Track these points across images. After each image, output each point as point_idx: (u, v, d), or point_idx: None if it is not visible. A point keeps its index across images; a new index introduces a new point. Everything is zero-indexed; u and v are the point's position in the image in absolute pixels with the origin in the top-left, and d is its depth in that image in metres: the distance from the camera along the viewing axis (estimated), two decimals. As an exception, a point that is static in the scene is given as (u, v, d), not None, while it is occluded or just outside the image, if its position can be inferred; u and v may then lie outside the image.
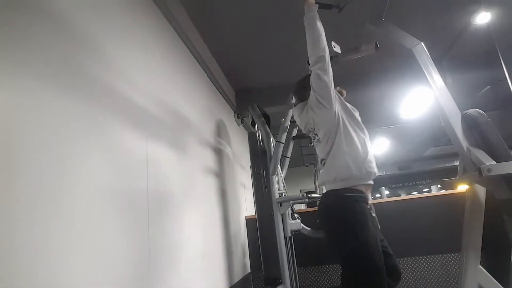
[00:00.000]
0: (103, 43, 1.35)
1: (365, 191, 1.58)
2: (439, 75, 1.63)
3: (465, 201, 1.67)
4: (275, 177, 2.55)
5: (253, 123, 2.88)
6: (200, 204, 2.18)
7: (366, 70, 3.74)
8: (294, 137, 2.86)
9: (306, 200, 2.47)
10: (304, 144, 5.60)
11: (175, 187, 1.82)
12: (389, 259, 1.58)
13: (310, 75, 1.65)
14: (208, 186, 2.42)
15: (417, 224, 2.80)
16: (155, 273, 1.44)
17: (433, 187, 11.13)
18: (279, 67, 3.54)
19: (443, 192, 3.22)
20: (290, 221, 2.49)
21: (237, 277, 2.69)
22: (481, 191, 1.60)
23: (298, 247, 2.61)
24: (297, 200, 2.56)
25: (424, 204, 2.90)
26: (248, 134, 2.91)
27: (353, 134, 1.61)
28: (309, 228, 2.54)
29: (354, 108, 1.77)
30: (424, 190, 11.72)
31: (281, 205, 2.44)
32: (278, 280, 2.28)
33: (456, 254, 2.72)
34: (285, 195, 2.59)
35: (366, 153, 1.59)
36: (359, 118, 1.71)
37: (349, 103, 1.73)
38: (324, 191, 1.71)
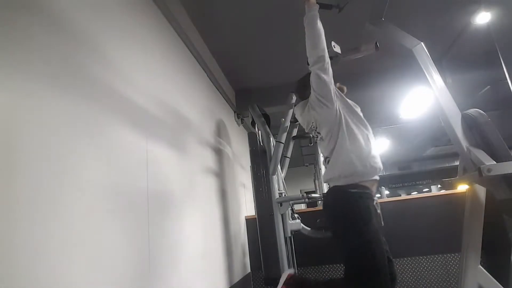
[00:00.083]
0: (103, 43, 1.35)
1: (371, 187, 1.57)
2: (439, 75, 1.63)
3: (465, 201, 1.67)
4: (275, 177, 2.55)
5: (253, 123, 2.89)
6: (200, 204, 2.18)
7: (366, 70, 3.74)
8: (294, 137, 2.86)
9: (306, 200, 2.47)
10: (304, 144, 5.61)
11: (175, 187, 1.82)
12: (389, 264, 1.58)
13: (310, 73, 1.66)
14: (208, 186, 2.42)
15: (417, 224, 2.80)
16: (155, 273, 1.44)
17: (433, 187, 11.13)
18: (279, 67, 3.54)
19: (443, 192, 3.22)
20: (290, 221, 2.49)
21: (237, 277, 2.69)
22: (481, 191, 1.60)
23: (298, 247, 2.61)
24: (297, 200, 2.56)
25: (424, 204, 2.90)
26: (248, 134, 2.91)
27: (356, 130, 1.61)
28: (309, 228, 2.54)
29: (356, 104, 1.77)
30: (424, 190, 11.72)
31: (281, 205, 2.44)
32: (278, 280, 2.28)
33: (456, 254, 2.72)
34: (285, 195, 2.59)
35: (370, 148, 1.59)
36: (361, 114, 1.71)
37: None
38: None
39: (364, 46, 1.90)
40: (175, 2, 2.24)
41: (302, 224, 2.52)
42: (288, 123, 2.59)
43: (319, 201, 3.31)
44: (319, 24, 1.61)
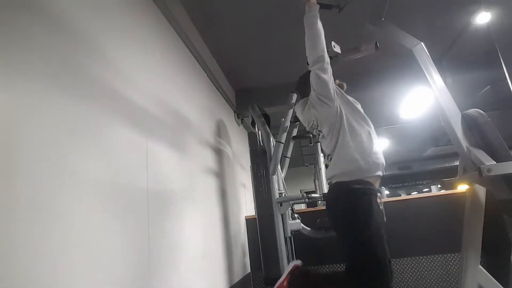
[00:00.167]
0: (103, 43, 1.35)
1: (374, 183, 1.57)
2: (439, 75, 1.63)
3: (465, 201, 1.67)
4: (275, 177, 2.55)
5: (253, 123, 2.89)
6: (200, 204, 2.18)
7: (366, 70, 3.74)
8: (294, 137, 2.86)
9: (306, 200, 2.47)
10: (304, 144, 5.60)
11: (175, 187, 1.82)
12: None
13: (310, 71, 1.66)
14: (208, 186, 2.42)
15: (417, 224, 2.80)
16: (155, 273, 1.44)
17: (433, 187, 11.14)
18: (279, 67, 3.54)
19: (443, 192, 3.22)
20: (290, 221, 2.49)
21: (237, 277, 2.69)
22: (481, 191, 1.60)
23: (298, 247, 2.61)
24: (297, 200, 2.57)
25: (424, 204, 2.90)
26: (248, 134, 2.91)
27: (357, 127, 1.61)
28: (309, 228, 2.54)
29: (356, 101, 1.77)
30: (424, 190, 11.72)
31: (281, 205, 2.44)
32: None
33: (456, 254, 2.72)
34: (285, 195, 2.59)
35: (372, 144, 1.59)
36: (361, 110, 1.71)
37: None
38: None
39: (364, 46, 1.90)
40: (175, 2, 2.24)
41: (302, 224, 2.52)
42: (288, 123, 2.59)
43: (319, 201, 3.31)
44: (319, 24, 1.61)
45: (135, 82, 1.56)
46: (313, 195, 2.51)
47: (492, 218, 1.65)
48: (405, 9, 2.67)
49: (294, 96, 2.55)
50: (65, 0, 1.16)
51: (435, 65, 1.65)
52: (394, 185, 11.93)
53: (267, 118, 2.82)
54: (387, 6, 1.78)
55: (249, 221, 3.26)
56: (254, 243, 3.02)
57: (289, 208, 2.52)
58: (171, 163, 1.83)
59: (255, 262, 3.07)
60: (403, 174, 10.75)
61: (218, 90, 3.18)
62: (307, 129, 1.86)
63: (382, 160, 1.59)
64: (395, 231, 2.35)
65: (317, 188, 5.24)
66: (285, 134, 2.56)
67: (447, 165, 9.56)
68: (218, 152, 2.82)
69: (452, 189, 2.81)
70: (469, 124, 1.52)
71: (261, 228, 2.49)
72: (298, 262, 1.79)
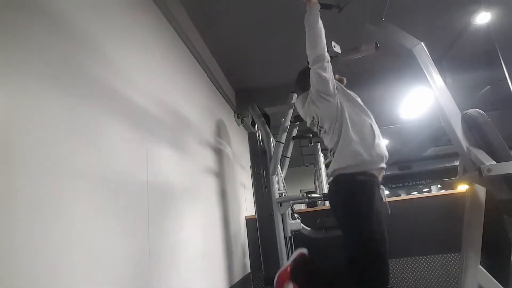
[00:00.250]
0: (103, 43, 1.35)
1: (377, 175, 1.57)
2: (439, 75, 1.64)
3: (465, 201, 1.68)
4: (275, 177, 2.55)
5: (253, 123, 2.89)
6: (200, 204, 2.18)
7: (366, 70, 3.74)
8: (294, 137, 2.86)
9: (306, 200, 2.48)
10: (304, 144, 5.60)
11: (175, 187, 1.82)
12: None
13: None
14: (208, 186, 2.42)
15: (417, 224, 2.80)
16: (155, 273, 1.44)
17: (433, 187, 11.14)
18: (279, 67, 3.54)
19: (443, 192, 3.22)
20: (290, 221, 2.49)
21: (237, 277, 2.69)
22: (481, 191, 1.60)
23: (298, 247, 2.60)
24: (297, 200, 2.56)
25: (424, 204, 2.89)
26: (248, 134, 2.91)
27: (359, 120, 1.61)
28: (309, 228, 2.54)
29: (356, 95, 1.77)
30: (424, 190, 11.74)
31: (281, 205, 2.44)
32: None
33: (456, 254, 2.71)
34: (285, 195, 2.59)
35: (374, 137, 1.59)
36: (361, 103, 1.71)
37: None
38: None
39: (364, 46, 1.90)
40: (175, 2, 2.24)
41: (302, 224, 2.52)
42: (288, 123, 2.59)
43: (319, 201, 3.31)
44: (320, 24, 1.61)
45: (135, 82, 1.56)
46: (313, 195, 2.51)
47: (492, 218, 1.66)
48: (405, 9, 2.67)
49: (294, 96, 2.55)
50: (65, 0, 1.16)
51: (435, 65, 1.66)
52: (394, 185, 11.94)
53: (267, 118, 2.82)
54: (387, 6, 1.78)
55: (249, 221, 3.26)
56: (254, 243, 3.02)
57: (289, 208, 2.52)
58: (171, 163, 1.83)
59: (255, 262, 3.07)
60: (403, 174, 10.76)
61: (218, 90, 3.18)
62: (308, 125, 1.86)
63: (385, 152, 1.59)
64: (395, 231, 2.35)
65: (317, 188, 5.24)
66: (285, 134, 2.56)
67: (447, 165, 9.57)
68: (218, 152, 2.82)
69: (452, 189, 2.80)
70: (469, 124, 1.52)
71: (261, 228, 2.49)
72: (304, 250, 1.79)
